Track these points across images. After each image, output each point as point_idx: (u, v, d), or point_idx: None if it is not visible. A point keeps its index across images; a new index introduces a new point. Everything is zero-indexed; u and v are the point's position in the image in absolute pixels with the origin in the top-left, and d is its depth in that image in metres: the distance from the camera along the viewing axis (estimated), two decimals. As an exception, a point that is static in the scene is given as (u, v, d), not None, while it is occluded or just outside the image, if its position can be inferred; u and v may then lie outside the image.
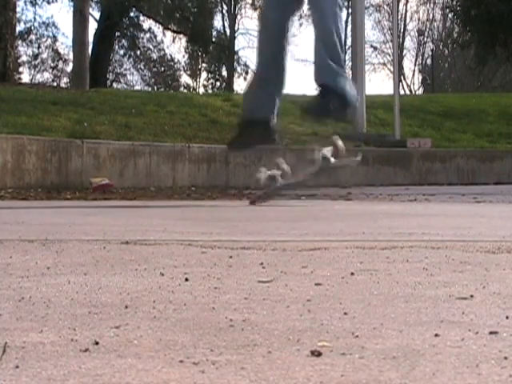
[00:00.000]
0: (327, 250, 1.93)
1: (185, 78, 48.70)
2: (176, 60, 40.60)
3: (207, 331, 0.97)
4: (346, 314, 1.08)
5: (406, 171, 10.70)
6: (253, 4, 36.53)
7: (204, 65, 41.95)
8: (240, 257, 1.79)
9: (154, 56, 37.25)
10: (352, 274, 1.50)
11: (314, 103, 4.43)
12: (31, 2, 29.11)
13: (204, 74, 42.72)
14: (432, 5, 46.23)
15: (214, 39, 32.09)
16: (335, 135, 4.58)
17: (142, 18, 29.64)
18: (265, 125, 4.57)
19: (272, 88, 4.58)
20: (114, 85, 35.61)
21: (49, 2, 29.29)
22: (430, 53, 44.52)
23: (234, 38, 40.07)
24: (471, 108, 15.55)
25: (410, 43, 53.69)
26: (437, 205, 4.71)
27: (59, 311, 1.11)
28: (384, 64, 46.71)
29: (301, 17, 36.35)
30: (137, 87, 37.59)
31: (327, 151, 4.57)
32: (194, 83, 43.12)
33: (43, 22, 33.94)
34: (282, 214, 3.78)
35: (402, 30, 44.61)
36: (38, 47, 36.09)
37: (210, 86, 40.45)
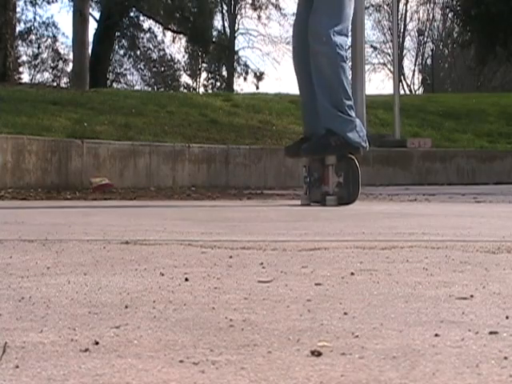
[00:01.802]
0: (327, 249, 1.93)
1: (185, 78, 48.74)
2: (176, 60, 40.67)
3: (207, 331, 0.97)
4: (345, 313, 1.08)
5: (406, 171, 10.71)
6: (253, 4, 36.56)
7: (204, 65, 42.00)
8: (240, 257, 1.79)
9: (154, 56, 37.31)
10: (352, 273, 1.50)
11: (311, 142, 4.45)
12: (31, 2, 29.18)
13: (204, 74, 42.79)
14: (432, 5, 46.32)
15: (214, 39, 32.12)
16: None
17: (142, 17, 29.69)
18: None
19: (314, 99, 4.56)
20: (114, 85, 35.64)
21: (49, 2, 29.36)
22: (430, 53, 44.56)
23: (234, 37, 40.10)
24: (471, 108, 15.56)
25: (410, 43, 53.75)
26: (437, 205, 4.71)
27: (59, 311, 1.11)
28: (384, 64, 46.79)
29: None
30: (137, 87, 37.65)
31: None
32: (194, 83, 43.18)
33: (43, 22, 34.05)
34: (281, 214, 3.78)
35: (401, 30, 44.65)
36: (38, 47, 36.18)
37: (210, 86, 40.51)
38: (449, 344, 0.89)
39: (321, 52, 4.34)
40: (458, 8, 24.24)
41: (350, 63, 9.01)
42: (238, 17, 40.55)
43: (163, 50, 37.56)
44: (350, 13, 4.45)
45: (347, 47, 4.59)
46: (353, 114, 4.43)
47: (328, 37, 4.30)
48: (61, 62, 37.97)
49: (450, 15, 35.50)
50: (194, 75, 43.40)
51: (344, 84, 4.38)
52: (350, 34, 4.59)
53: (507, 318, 1.04)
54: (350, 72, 4.63)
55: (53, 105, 10.75)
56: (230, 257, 1.78)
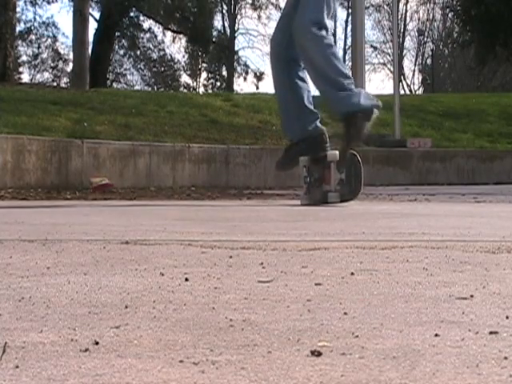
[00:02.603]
0: (327, 249, 1.93)
1: (185, 78, 48.71)
2: (176, 60, 40.65)
3: (207, 331, 0.97)
4: (346, 313, 1.08)
5: (405, 171, 10.71)
6: (253, 4, 36.57)
7: (204, 65, 42.01)
8: (240, 257, 1.79)
9: (154, 56, 37.30)
10: (352, 273, 1.50)
11: (349, 135, 4.46)
12: (31, 2, 29.18)
13: (204, 74, 42.81)
14: (432, 5, 46.33)
15: (214, 39, 32.10)
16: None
17: (142, 17, 29.67)
18: (311, 139, 4.59)
19: (294, 105, 4.62)
20: (114, 85, 35.64)
21: (49, 2, 29.37)
22: (430, 53, 44.57)
23: (234, 37, 40.12)
24: (471, 108, 15.56)
25: (410, 43, 53.68)
26: (437, 205, 4.71)
27: (59, 311, 1.11)
28: (384, 64, 46.79)
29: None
30: (137, 87, 37.65)
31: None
32: (194, 83, 43.19)
33: (43, 22, 34.04)
34: (281, 214, 3.78)
35: (402, 30, 44.65)
36: (38, 47, 36.20)
37: (210, 86, 40.52)
38: (449, 344, 0.89)
39: (307, 46, 4.42)
40: (458, 8, 24.23)
41: (350, 63, 9.00)
42: (238, 17, 40.60)
43: (163, 49, 37.57)
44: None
45: (332, 31, 4.66)
46: (355, 89, 4.49)
47: (312, 33, 4.38)
48: (61, 62, 38.02)
49: (450, 15, 35.53)
50: (194, 75, 43.41)
51: (339, 68, 4.44)
52: (334, 17, 4.67)
53: (507, 317, 1.04)
54: (351, 72, 4.66)
55: (53, 105, 10.74)
56: (230, 257, 1.78)
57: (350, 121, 4.43)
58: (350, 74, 4.59)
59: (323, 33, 4.41)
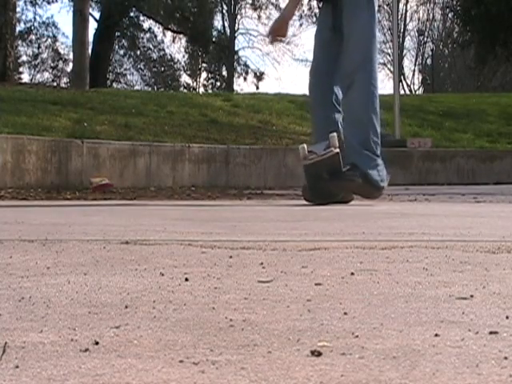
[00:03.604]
0: (327, 249, 1.93)
1: (185, 78, 48.67)
2: (176, 60, 40.66)
3: (207, 331, 0.97)
4: (346, 313, 1.08)
5: (405, 171, 10.70)
6: (253, 4, 36.58)
7: (204, 65, 42.01)
8: (240, 257, 1.79)
9: (154, 56, 37.31)
10: (352, 274, 1.50)
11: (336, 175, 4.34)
12: (31, 2, 29.21)
13: (204, 74, 42.81)
14: (432, 5, 46.33)
15: (214, 39, 32.11)
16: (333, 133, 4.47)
17: (142, 17, 29.70)
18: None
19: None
20: (114, 85, 35.66)
21: (49, 2, 29.39)
22: (430, 53, 44.57)
23: (234, 37, 40.12)
24: (471, 108, 15.56)
25: (410, 43, 53.69)
26: (437, 205, 4.71)
27: (59, 311, 1.11)
28: (384, 64, 46.73)
29: (301, 17, 36.39)
30: (137, 87, 37.66)
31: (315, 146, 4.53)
32: (194, 83, 43.19)
33: (43, 22, 34.08)
34: (281, 214, 3.78)
35: (401, 30, 44.63)
36: (38, 47, 36.24)
37: (210, 86, 40.53)
38: (449, 344, 0.89)
39: (352, 88, 4.37)
40: (458, 8, 24.24)
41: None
42: (238, 17, 40.59)
43: (163, 49, 37.58)
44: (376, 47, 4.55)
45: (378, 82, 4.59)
46: (378, 152, 4.42)
47: (357, 74, 4.36)
48: (61, 62, 38.06)
49: (450, 15, 35.54)
50: (194, 75, 43.41)
51: (373, 121, 4.39)
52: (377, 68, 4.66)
53: (507, 317, 1.04)
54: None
55: (53, 105, 10.75)
56: (230, 257, 1.78)
57: (354, 178, 4.33)
58: (379, 131, 4.48)
59: (368, 76, 4.36)
